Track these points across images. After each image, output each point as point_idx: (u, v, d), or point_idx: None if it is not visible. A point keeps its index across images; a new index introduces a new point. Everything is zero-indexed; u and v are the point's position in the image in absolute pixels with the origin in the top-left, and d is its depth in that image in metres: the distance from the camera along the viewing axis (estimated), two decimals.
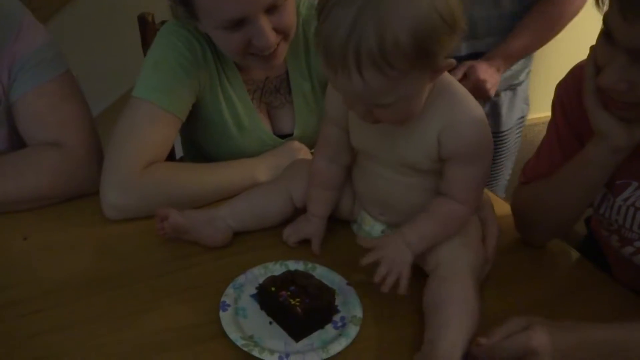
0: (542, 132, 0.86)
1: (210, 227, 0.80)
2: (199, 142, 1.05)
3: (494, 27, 1.20)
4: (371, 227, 0.81)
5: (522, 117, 1.41)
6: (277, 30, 0.84)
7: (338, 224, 0.85)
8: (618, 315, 0.73)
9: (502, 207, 0.92)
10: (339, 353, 0.64)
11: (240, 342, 0.64)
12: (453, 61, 0.60)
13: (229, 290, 0.72)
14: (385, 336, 0.69)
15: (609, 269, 0.90)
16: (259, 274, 0.75)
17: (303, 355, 0.63)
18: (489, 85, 1.15)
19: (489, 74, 1.15)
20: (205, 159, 1.07)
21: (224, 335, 0.66)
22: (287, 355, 0.63)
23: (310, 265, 0.77)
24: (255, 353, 0.63)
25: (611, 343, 0.64)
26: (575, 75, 0.77)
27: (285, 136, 1.04)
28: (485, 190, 0.89)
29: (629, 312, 0.75)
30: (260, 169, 0.92)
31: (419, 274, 0.73)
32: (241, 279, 0.74)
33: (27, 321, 0.68)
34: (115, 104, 1.85)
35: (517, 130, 1.41)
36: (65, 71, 0.93)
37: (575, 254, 0.89)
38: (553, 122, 0.84)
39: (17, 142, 0.93)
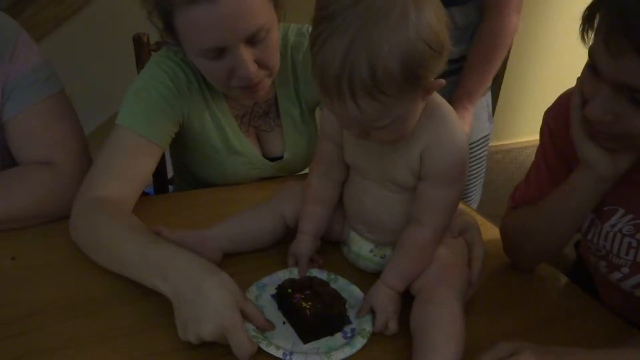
0: (533, 155, 0.88)
1: (201, 247, 0.79)
2: (188, 165, 1.06)
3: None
4: (359, 247, 0.81)
5: (487, 136, 1.43)
6: (259, 64, 0.85)
7: None
8: (606, 340, 0.74)
9: (491, 231, 0.92)
10: None
11: (251, 334, 0.66)
12: (442, 81, 0.63)
13: (252, 288, 0.76)
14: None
15: (598, 294, 0.91)
16: (284, 277, 0.78)
17: (306, 356, 0.66)
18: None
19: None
20: (195, 180, 1.07)
21: (214, 358, 0.66)
22: (291, 353, 0.66)
23: (333, 276, 0.80)
24: (263, 346, 0.66)
25: None
26: (563, 103, 0.79)
27: (275, 159, 1.05)
28: (473, 212, 0.90)
29: (617, 337, 0.76)
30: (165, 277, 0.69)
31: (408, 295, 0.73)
32: (266, 279, 0.78)
33: (12, 343, 0.67)
34: (109, 123, 1.85)
35: (483, 149, 1.43)
36: (59, 91, 0.93)
37: (563, 279, 0.89)
38: (541, 149, 0.85)
39: (9, 160, 0.93)
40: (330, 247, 0.86)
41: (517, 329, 0.75)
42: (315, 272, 0.80)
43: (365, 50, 0.56)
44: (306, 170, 1.16)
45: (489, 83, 1.33)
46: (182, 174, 1.16)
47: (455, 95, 1.29)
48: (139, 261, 0.72)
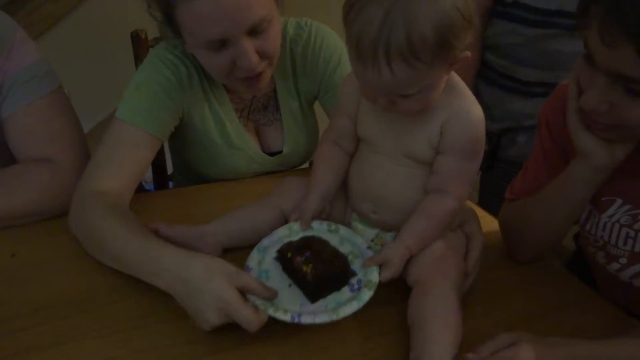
0: None
1: (200, 242, 0.80)
2: (187, 160, 1.06)
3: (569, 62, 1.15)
4: (362, 236, 0.81)
5: None
6: (260, 54, 0.85)
7: None
8: (605, 331, 0.74)
9: (491, 223, 0.93)
10: (350, 315, 0.67)
11: (257, 302, 0.66)
12: (468, 53, 0.66)
13: (254, 254, 0.75)
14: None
15: (597, 285, 0.91)
16: (283, 235, 0.77)
17: (314, 316, 0.66)
18: None
19: None
20: (195, 175, 1.07)
21: (216, 352, 0.67)
22: (300, 315, 0.66)
23: (333, 226, 0.79)
24: (270, 312, 0.66)
25: (597, 359, 0.64)
26: (560, 94, 0.79)
27: (275, 153, 1.05)
28: (473, 205, 0.90)
29: (616, 328, 0.76)
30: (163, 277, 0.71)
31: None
32: (265, 241, 0.77)
33: (13, 339, 0.68)
34: (108, 120, 1.85)
35: None
36: (57, 88, 0.93)
37: (562, 270, 0.90)
38: (539, 140, 0.85)
39: (8, 158, 0.93)
40: None
41: (517, 320, 0.76)
42: (315, 224, 0.78)
43: (402, 17, 0.59)
44: (306, 165, 1.16)
45: None
46: (181, 170, 1.16)
47: None
48: (133, 259, 0.73)
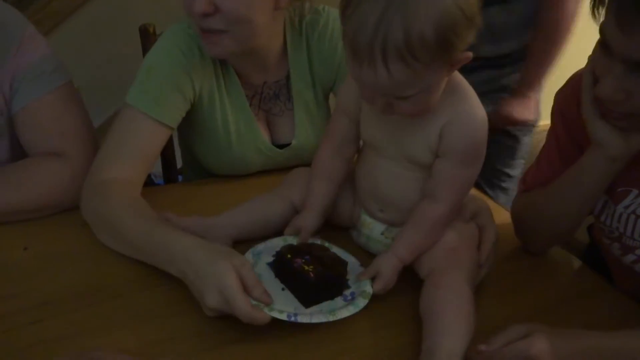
0: (544, 140, 0.87)
1: (210, 235, 0.79)
2: (195, 151, 1.04)
3: (511, 31, 1.27)
4: (370, 230, 0.81)
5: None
6: (216, 6, 0.80)
7: None
8: (619, 323, 0.73)
9: (503, 215, 0.92)
10: (346, 319, 0.67)
11: (253, 303, 0.66)
12: (470, 54, 0.63)
13: (248, 256, 0.75)
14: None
15: (611, 277, 0.90)
16: (278, 244, 0.77)
17: (310, 316, 0.66)
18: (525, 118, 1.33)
19: (522, 113, 1.32)
20: (204, 169, 1.06)
21: (226, 344, 0.67)
22: (296, 315, 0.65)
23: (327, 244, 0.79)
24: (266, 311, 0.65)
25: (612, 350, 0.64)
26: (574, 84, 0.78)
27: (284, 146, 1.04)
28: (485, 197, 0.89)
29: (630, 320, 0.76)
30: (176, 264, 0.72)
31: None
32: (260, 247, 0.77)
33: (25, 331, 0.68)
34: (116, 115, 1.86)
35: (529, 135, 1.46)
36: (67, 82, 0.93)
37: (576, 262, 0.89)
38: (552, 131, 0.84)
39: (19, 152, 0.94)
40: (339, 233, 0.86)
41: (530, 312, 0.75)
42: (309, 240, 0.79)
43: (400, 14, 0.56)
44: None
45: (550, 71, 1.32)
46: (191, 164, 1.16)
47: (517, 84, 1.31)
48: (145, 245, 0.74)
